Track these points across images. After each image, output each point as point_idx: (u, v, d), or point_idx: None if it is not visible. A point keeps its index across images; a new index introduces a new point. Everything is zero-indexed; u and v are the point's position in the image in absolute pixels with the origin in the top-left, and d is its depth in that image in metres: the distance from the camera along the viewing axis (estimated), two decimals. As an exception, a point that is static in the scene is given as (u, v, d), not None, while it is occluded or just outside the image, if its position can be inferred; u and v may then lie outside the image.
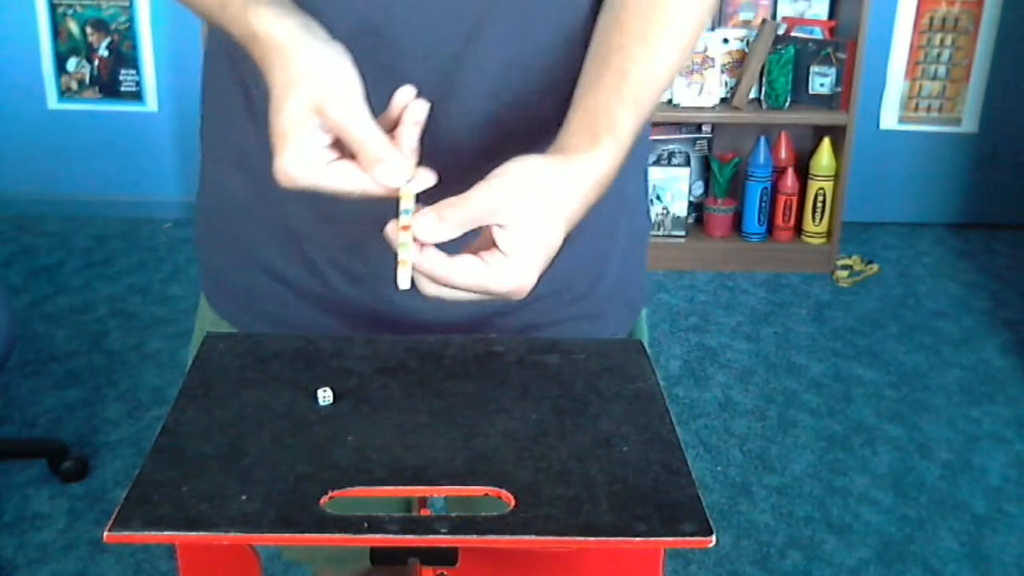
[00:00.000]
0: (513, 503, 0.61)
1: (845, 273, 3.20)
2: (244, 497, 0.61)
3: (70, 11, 3.27)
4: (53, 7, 3.26)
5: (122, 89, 3.35)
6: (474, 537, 0.59)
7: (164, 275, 3.10)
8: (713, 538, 0.59)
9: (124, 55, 3.32)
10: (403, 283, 0.67)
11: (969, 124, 3.44)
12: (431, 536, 0.58)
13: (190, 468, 0.64)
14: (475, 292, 0.69)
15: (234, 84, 0.87)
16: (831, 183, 3.17)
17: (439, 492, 0.64)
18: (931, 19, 3.32)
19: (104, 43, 3.30)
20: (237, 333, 0.87)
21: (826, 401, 2.55)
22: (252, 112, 0.85)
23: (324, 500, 0.61)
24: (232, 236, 0.93)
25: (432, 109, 0.74)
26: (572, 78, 0.78)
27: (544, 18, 0.80)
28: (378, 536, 0.58)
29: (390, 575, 0.69)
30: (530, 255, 0.69)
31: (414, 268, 0.67)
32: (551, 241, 0.70)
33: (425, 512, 0.89)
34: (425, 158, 0.79)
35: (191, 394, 0.73)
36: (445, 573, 0.70)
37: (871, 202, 3.49)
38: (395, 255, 0.67)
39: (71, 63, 3.33)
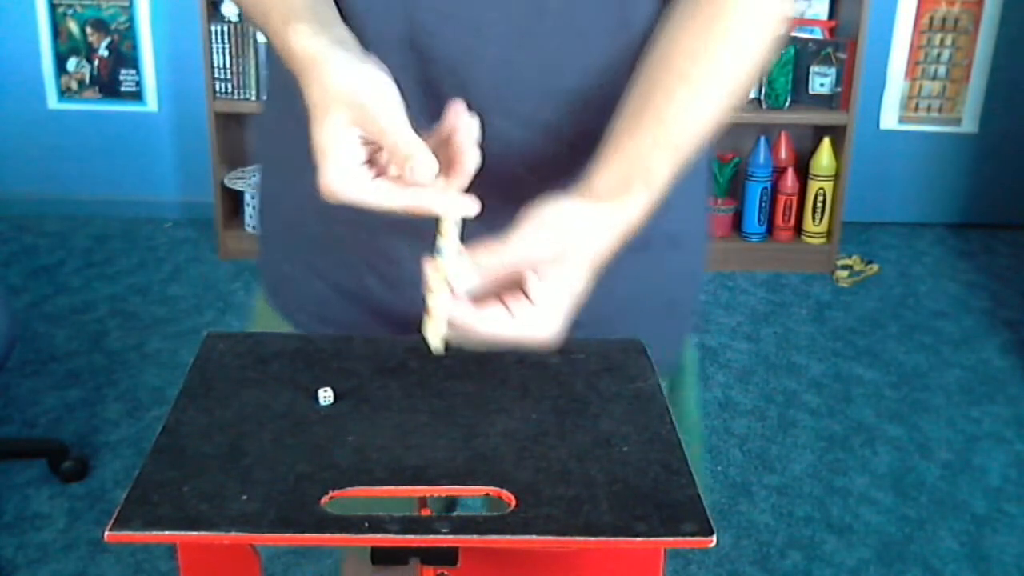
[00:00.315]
0: (513, 503, 0.61)
1: (845, 273, 3.20)
2: (244, 497, 0.61)
3: (70, 11, 3.27)
4: (53, 7, 3.26)
5: (122, 89, 3.35)
6: (474, 537, 0.59)
7: (164, 275, 3.10)
8: (713, 538, 0.59)
9: (124, 55, 3.32)
10: (434, 338, 0.66)
11: (969, 124, 3.44)
12: (432, 536, 0.58)
13: (190, 468, 0.64)
14: (499, 341, 0.68)
15: (291, 95, 0.87)
16: (831, 183, 3.17)
17: (439, 492, 0.64)
18: (931, 19, 3.32)
19: (104, 43, 3.30)
20: (237, 333, 0.87)
21: (826, 401, 2.55)
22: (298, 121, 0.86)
23: (324, 500, 0.61)
24: (282, 236, 0.95)
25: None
26: (610, 107, 0.77)
27: (585, 44, 0.79)
28: (379, 536, 0.58)
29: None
30: (558, 304, 0.68)
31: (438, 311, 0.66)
32: (578, 289, 0.70)
33: (426, 512, 0.89)
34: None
35: (191, 394, 0.73)
36: (446, 573, 0.71)
37: (871, 202, 3.49)
38: (424, 301, 0.66)
39: (71, 63, 3.32)
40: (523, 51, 0.78)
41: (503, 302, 0.68)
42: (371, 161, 0.70)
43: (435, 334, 0.66)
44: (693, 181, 0.81)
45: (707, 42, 0.74)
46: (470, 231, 0.70)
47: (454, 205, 0.68)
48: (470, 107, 0.76)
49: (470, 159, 0.69)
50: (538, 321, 0.68)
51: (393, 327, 0.88)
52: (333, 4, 0.77)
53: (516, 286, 0.68)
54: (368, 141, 0.69)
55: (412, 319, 0.87)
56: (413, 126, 0.69)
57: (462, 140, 0.70)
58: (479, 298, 0.68)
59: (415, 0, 0.77)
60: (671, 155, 0.73)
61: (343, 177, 0.68)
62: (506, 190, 0.81)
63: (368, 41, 0.76)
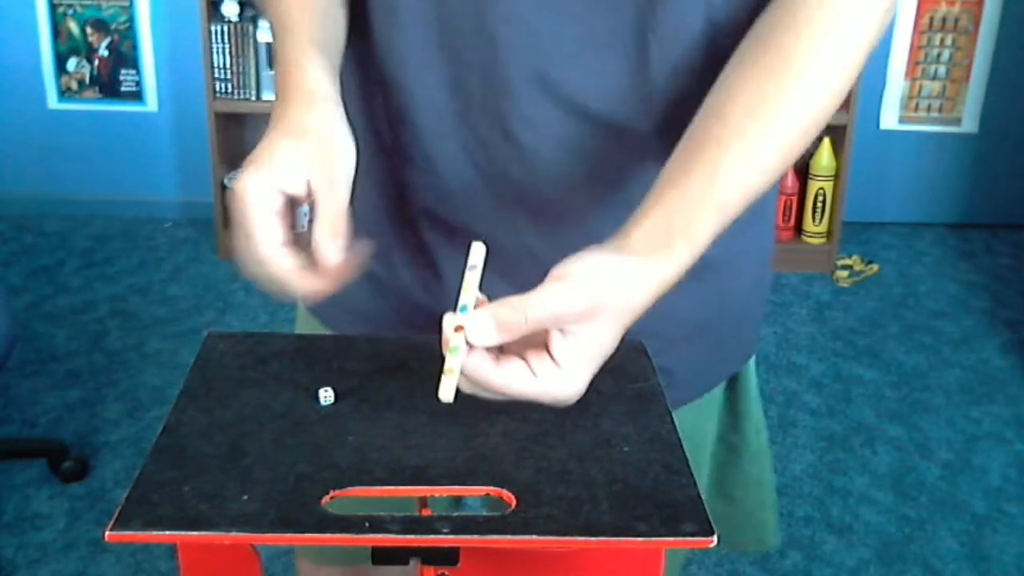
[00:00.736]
0: (514, 503, 0.61)
1: (845, 273, 3.20)
2: (245, 497, 0.61)
3: (70, 11, 3.27)
4: (53, 7, 3.26)
5: (122, 89, 3.35)
6: (475, 537, 0.59)
7: (164, 275, 3.10)
8: (714, 538, 0.59)
9: (124, 55, 3.32)
10: (446, 396, 0.62)
11: (969, 124, 3.44)
12: (432, 536, 0.58)
13: (191, 468, 0.64)
14: (517, 399, 0.64)
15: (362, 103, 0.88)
16: (831, 183, 3.17)
17: (439, 492, 0.64)
18: (931, 19, 3.32)
19: (104, 43, 3.30)
20: (237, 333, 0.87)
21: (826, 401, 2.55)
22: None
23: (325, 500, 0.61)
24: None
25: (495, 149, 0.76)
26: (631, 137, 0.76)
27: (607, 71, 0.77)
28: (379, 536, 0.58)
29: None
30: (584, 366, 0.64)
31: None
32: (607, 349, 0.65)
33: (426, 512, 0.89)
34: (488, 201, 0.80)
35: (192, 394, 0.73)
36: (446, 573, 0.70)
37: (871, 202, 3.49)
38: (442, 358, 0.63)
39: (71, 63, 3.32)
40: (550, 67, 0.77)
41: (524, 359, 0.63)
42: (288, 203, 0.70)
43: (448, 390, 0.62)
44: (761, 204, 0.75)
45: (768, 97, 0.70)
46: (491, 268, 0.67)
47: (475, 268, 0.65)
48: (500, 119, 0.78)
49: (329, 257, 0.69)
50: (561, 381, 0.63)
51: (422, 326, 0.87)
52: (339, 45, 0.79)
53: (540, 342, 0.64)
54: (295, 190, 0.69)
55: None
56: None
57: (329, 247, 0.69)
58: (498, 351, 0.63)
59: (450, 7, 0.77)
60: (718, 214, 0.68)
61: (261, 188, 0.68)
62: (534, 213, 0.81)
63: (404, 48, 0.77)
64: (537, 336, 0.63)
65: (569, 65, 0.77)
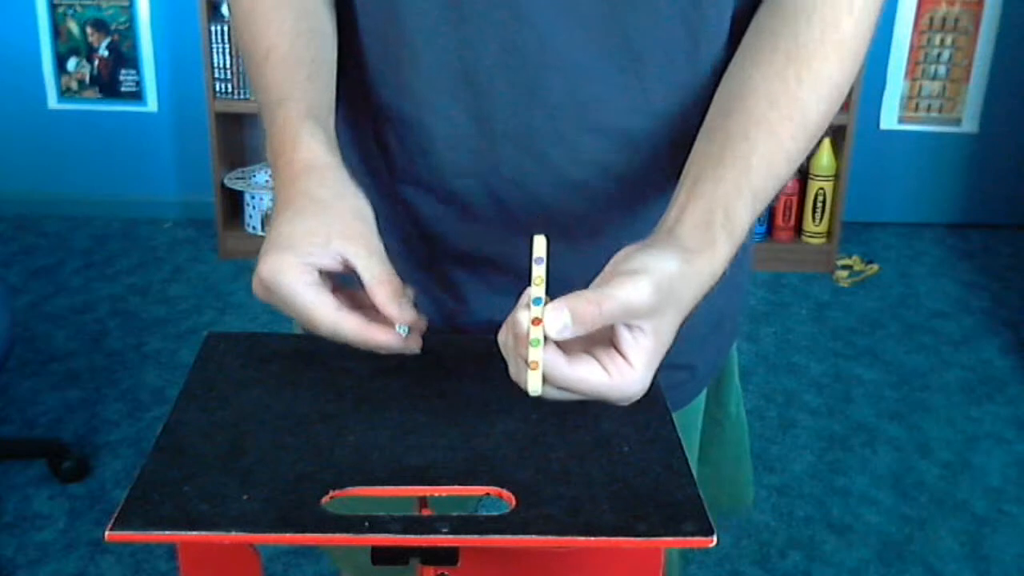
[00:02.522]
0: (514, 503, 0.61)
1: (845, 273, 3.20)
2: (245, 497, 0.61)
3: (70, 11, 3.27)
4: (53, 7, 3.26)
5: (122, 89, 3.35)
6: (475, 537, 0.59)
7: (164, 275, 3.10)
8: (714, 538, 0.59)
9: (124, 55, 3.32)
10: (535, 389, 0.61)
11: (969, 124, 3.44)
12: (432, 536, 0.58)
13: (191, 468, 0.64)
14: (586, 397, 0.64)
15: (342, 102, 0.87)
16: (831, 183, 3.17)
17: (439, 492, 0.64)
18: (931, 19, 3.32)
19: (104, 43, 3.30)
20: (238, 333, 0.87)
21: (826, 401, 2.55)
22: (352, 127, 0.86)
23: (325, 500, 0.61)
24: None
25: (524, 174, 0.76)
26: (668, 149, 0.75)
27: (652, 82, 0.77)
28: (379, 536, 0.58)
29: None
30: (651, 362, 0.64)
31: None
32: (667, 345, 0.65)
33: (426, 512, 0.89)
34: (512, 226, 0.80)
35: (192, 394, 0.73)
36: (446, 573, 0.71)
37: (871, 202, 3.49)
38: (524, 354, 0.62)
39: (71, 63, 3.33)
40: (585, 90, 0.77)
41: (595, 356, 0.63)
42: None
43: (537, 384, 0.61)
44: None
45: (787, 85, 0.72)
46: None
47: (542, 260, 0.64)
48: (530, 142, 0.77)
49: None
50: (634, 378, 0.63)
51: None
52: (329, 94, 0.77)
53: (602, 339, 0.63)
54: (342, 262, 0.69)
55: None
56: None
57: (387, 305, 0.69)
58: (566, 348, 0.63)
59: (471, 38, 0.76)
60: (753, 203, 0.70)
61: (293, 274, 0.67)
62: (565, 235, 0.79)
63: (425, 74, 0.76)
64: (600, 334, 0.63)
65: (608, 85, 0.76)
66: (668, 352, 0.65)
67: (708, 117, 0.74)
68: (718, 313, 0.91)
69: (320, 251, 0.68)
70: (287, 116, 0.74)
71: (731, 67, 0.75)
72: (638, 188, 0.81)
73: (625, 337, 0.62)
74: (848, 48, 0.73)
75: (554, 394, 0.63)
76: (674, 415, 0.73)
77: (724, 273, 0.68)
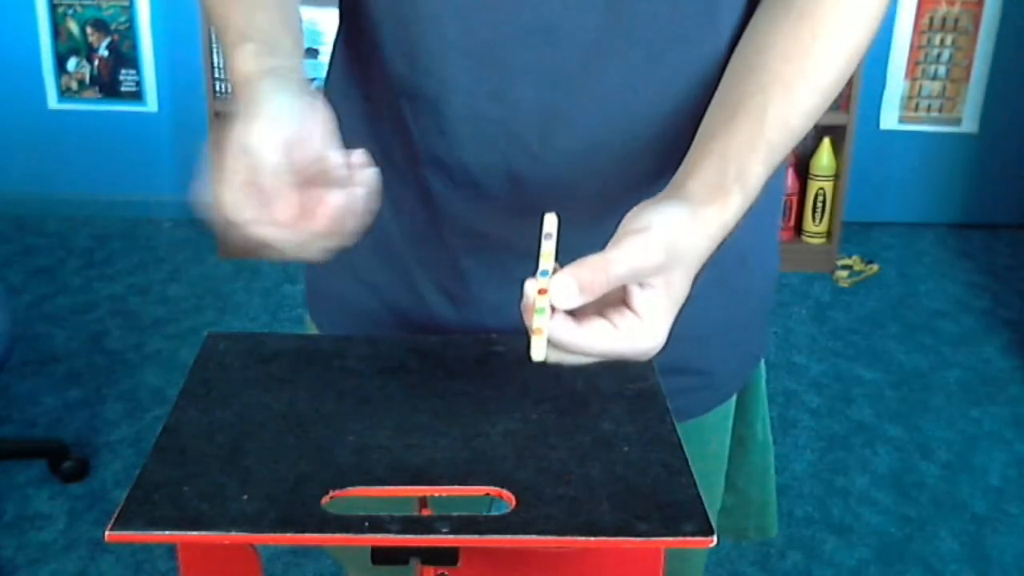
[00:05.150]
0: (514, 503, 0.61)
1: (845, 273, 3.20)
2: (245, 497, 0.61)
3: (70, 11, 3.27)
4: (53, 7, 3.26)
5: (122, 89, 3.35)
6: (475, 537, 0.59)
7: (164, 275, 3.10)
8: (714, 538, 0.59)
9: (124, 55, 3.32)
10: (538, 354, 0.62)
11: (969, 124, 3.44)
12: (432, 536, 0.58)
13: (191, 468, 0.64)
14: (603, 357, 0.64)
15: (346, 99, 0.86)
16: (831, 183, 3.17)
17: (439, 492, 0.64)
18: (931, 19, 3.32)
19: (104, 43, 3.30)
20: (238, 333, 0.87)
21: (826, 401, 2.55)
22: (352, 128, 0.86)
23: (325, 500, 0.61)
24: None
25: (539, 137, 0.75)
26: (687, 129, 0.75)
27: (670, 60, 0.77)
28: (379, 536, 0.58)
29: None
30: (664, 316, 0.64)
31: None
32: (681, 297, 0.66)
33: (426, 512, 0.89)
34: (528, 192, 0.79)
35: (192, 394, 0.73)
36: (446, 573, 0.71)
37: (871, 202, 3.49)
38: (528, 324, 0.62)
39: (71, 63, 3.32)
40: (606, 66, 0.77)
41: (606, 316, 0.63)
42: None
43: (540, 349, 0.62)
44: (767, 198, 0.76)
45: (801, 42, 0.72)
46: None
47: (552, 237, 0.65)
48: (545, 120, 0.76)
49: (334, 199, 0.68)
50: (646, 334, 0.63)
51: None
52: (295, 32, 0.76)
53: (616, 299, 0.64)
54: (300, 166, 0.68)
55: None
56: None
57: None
58: (578, 312, 0.63)
59: (494, 14, 0.76)
60: (768, 157, 0.70)
61: (237, 191, 0.68)
62: (580, 208, 0.79)
63: (444, 48, 0.76)
64: (613, 294, 0.63)
65: (627, 62, 0.77)
66: (680, 311, 0.65)
67: (723, 78, 0.75)
68: (728, 317, 0.90)
69: (287, 125, 0.69)
70: (232, 39, 0.74)
71: (747, 30, 0.76)
72: (659, 164, 0.80)
73: (636, 294, 0.63)
74: (863, 8, 0.74)
75: (571, 359, 0.64)
76: (691, 424, 0.73)
77: (736, 226, 0.69)
